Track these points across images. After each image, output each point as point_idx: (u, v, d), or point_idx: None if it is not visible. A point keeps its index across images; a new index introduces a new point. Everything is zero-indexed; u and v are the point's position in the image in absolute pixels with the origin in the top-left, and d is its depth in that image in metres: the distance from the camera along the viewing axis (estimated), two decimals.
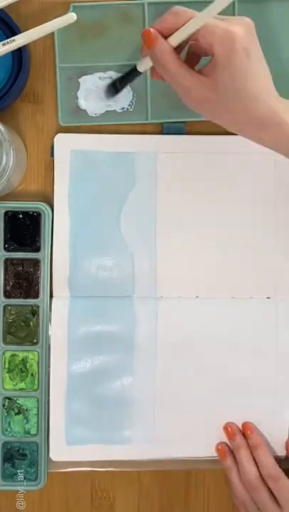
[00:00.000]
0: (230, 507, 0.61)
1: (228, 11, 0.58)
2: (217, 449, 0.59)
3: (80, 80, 0.59)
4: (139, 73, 0.52)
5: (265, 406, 0.60)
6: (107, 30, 0.58)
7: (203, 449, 0.60)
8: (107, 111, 0.59)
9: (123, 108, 0.59)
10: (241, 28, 0.45)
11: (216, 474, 0.61)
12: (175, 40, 0.47)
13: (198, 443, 0.60)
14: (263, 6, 0.58)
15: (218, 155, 0.59)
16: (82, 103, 0.59)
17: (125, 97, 0.59)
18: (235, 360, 0.60)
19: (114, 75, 0.58)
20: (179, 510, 0.61)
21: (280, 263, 0.60)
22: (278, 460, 0.59)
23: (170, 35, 0.47)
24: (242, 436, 0.59)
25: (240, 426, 0.60)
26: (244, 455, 0.58)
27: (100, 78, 0.59)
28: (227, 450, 0.59)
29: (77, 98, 0.59)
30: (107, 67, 0.58)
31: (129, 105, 0.59)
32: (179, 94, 0.49)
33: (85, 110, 0.59)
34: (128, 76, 0.54)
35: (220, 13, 0.46)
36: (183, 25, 0.46)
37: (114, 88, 0.56)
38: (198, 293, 0.60)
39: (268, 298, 0.60)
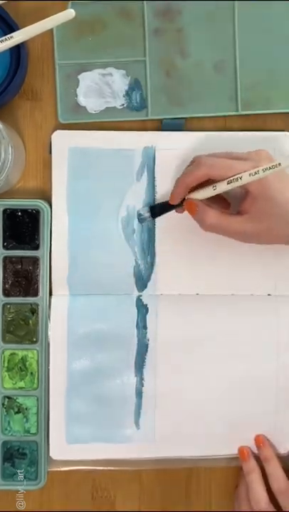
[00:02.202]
0: (231, 505, 0.61)
1: (228, 11, 0.58)
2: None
3: (80, 76, 0.58)
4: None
5: (267, 403, 0.60)
6: (106, 27, 0.58)
7: (204, 448, 0.60)
8: (106, 107, 0.59)
9: (122, 105, 0.59)
10: (265, 162, 0.51)
11: (217, 472, 0.61)
12: (212, 193, 0.53)
13: (199, 442, 0.60)
14: (262, 5, 0.58)
15: (218, 151, 0.59)
16: (82, 100, 0.58)
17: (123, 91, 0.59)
18: (236, 358, 0.59)
19: (114, 71, 0.58)
20: (180, 508, 0.61)
21: (280, 260, 0.59)
22: (280, 458, 0.59)
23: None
24: (254, 460, 0.59)
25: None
26: (255, 479, 0.58)
27: (99, 74, 0.58)
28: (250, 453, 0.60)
29: (76, 95, 0.59)
30: (106, 63, 0.58)
31: (127, 101, 0.59)
32: (230, 237, 0.55)
33: (84, 107, 0.59)
34: (163, 209, 0.58)
35: None
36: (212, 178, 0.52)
37: (152, 213, 0.58)
38: (199, 290, 0.59)
39: (269, 295, 0.60)
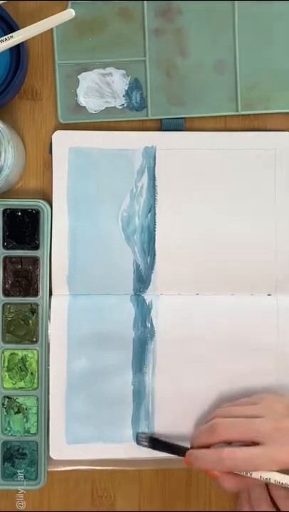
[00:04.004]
0: (232, 505, 0.61)
1: (228, 11, 0.58)
2: None
3: (80, 76, 0.58)
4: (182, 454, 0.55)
5: None
6: (106, 27, 0.58)
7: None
8: (106, 107, 0.59)
9: (122, 104, 0.59)
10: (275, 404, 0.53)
11: None
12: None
13: None
14: (262, 5, 0.58)
15: (218, 151, 0.59)
16: (82, 100, 0.59)
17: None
18: (236, 358, 0.59)
19: (114, 71, 0.58)
20: (180, 508, 0.61)
21: (280, 259, 0.59)
22: None
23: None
24: None
25: None
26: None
27: (99, 74, 0.58)
28: None
29: (76, 95, 0.59)
30: (106, 63, 0.58)
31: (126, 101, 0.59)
32: None
33: (84, 107, 0.59)
34: (167, 449, 0.57)
35: None
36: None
37: (150, 443, 0.58)
38: (199, 290, 0.59)
39: (269, 295, 0.60)
